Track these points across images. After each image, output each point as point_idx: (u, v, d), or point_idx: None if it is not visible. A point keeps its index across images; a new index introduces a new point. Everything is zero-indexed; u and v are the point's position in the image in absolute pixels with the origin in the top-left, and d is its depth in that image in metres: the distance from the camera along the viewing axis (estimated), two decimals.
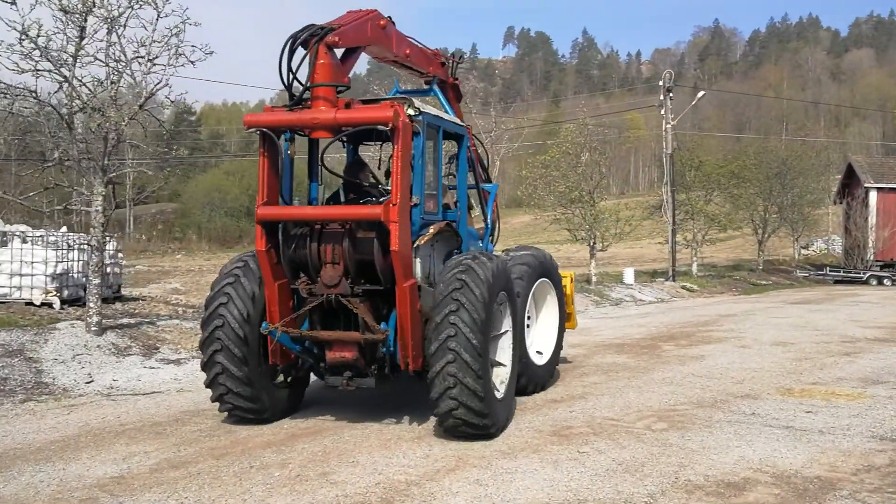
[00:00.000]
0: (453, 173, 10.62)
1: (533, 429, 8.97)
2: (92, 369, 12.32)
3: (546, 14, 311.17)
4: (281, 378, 9.38)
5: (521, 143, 43.82)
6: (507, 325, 9.27)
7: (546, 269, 11.19)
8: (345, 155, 10.64)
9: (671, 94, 36.66)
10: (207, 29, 15.28)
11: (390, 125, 8.05)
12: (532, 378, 10.62)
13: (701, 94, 38.76)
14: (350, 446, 8.22)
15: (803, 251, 59.32)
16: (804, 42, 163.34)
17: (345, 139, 9.72)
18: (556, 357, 11.56)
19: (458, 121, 10.38)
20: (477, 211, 11.66)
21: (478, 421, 8.15)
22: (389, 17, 9.54)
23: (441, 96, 11.32)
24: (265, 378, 8.95)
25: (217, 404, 9.12)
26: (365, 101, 8.78)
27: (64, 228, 20.77)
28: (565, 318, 11.85)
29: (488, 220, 11.32)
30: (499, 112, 44.75)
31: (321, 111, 8.20)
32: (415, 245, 8.55)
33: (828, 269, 43.77)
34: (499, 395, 8.78)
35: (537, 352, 11.13)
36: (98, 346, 13.26)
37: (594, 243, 30.97)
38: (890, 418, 9.50)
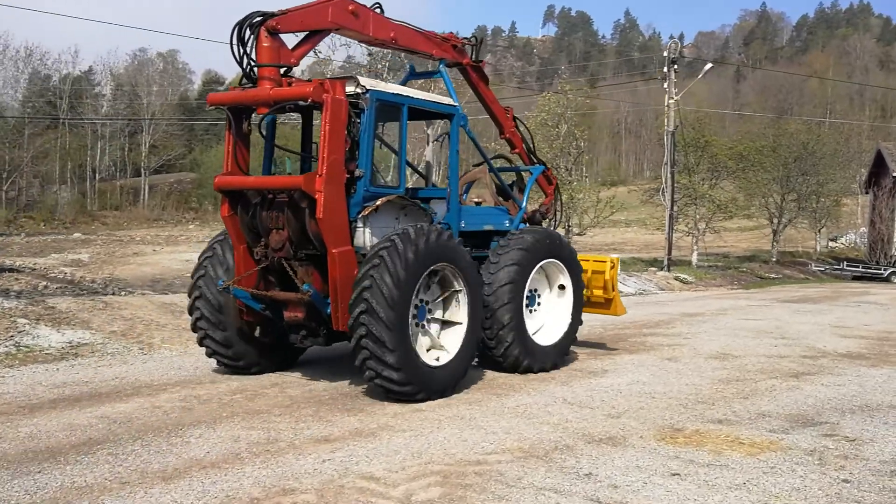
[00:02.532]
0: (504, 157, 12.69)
1: (226, 493, 5.98)
2: None
3: None
4: (258, 333, 10.02)
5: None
6: (458, 285, 9.58)
7: (551, 250, 11.12)
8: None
9: (676, 67, 33.39)
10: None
11: (309, 100, 8.67)
12: (536, 358, 10.73)
13: (708, 66, 35.21)
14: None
15: (831, 244, 55.42)
16: (853, 29, 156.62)
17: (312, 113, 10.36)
18: (567, 338, 11.44)
19: (443, 100, 10.51)
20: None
21: (398, 388, 8.70)
22: (378, 3, 9.96)
23: (446, 78, 11.22)
24: (245, 333, 9.90)
25: None
26: (309, 80, 9.19)
27: None
28: (581, 300, 11.70)
29: (523, 204, 11.81)
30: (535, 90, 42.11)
31: (262, 89, 8.90)
32: (360, 215, 9.10)
33: (845, 263, 39.89)
34: (446, 357, 9.35)
35: (543, 332, 11.14)
36: None
37: (569, 227, 27.74)
38: (787, 493, 6.33)
